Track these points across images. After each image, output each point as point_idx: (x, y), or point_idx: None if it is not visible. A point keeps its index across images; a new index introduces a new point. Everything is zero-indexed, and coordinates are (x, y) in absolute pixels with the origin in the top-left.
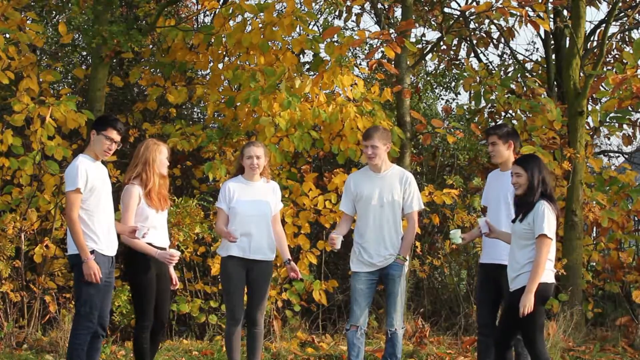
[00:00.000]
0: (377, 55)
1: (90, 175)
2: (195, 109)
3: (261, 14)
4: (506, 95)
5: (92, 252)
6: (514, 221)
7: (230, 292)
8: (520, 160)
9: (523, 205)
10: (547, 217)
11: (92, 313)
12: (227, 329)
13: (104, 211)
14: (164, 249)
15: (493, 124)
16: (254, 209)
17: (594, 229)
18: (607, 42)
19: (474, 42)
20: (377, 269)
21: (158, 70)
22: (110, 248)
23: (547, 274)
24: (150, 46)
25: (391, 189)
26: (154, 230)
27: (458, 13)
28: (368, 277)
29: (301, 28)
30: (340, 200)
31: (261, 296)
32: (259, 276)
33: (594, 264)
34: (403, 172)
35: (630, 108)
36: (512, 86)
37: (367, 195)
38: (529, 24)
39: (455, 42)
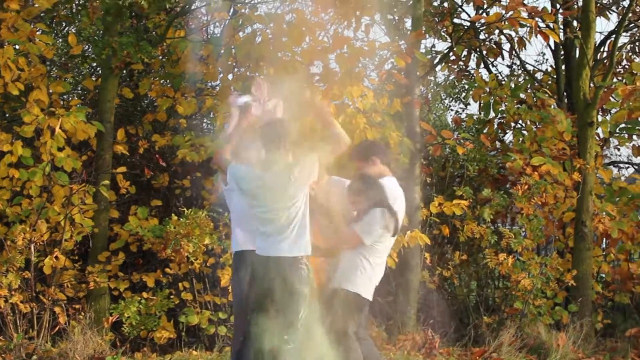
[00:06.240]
0: (387, 66)
1: None
2: (205, 120)
3: (271, 24)
4: (516, 106)
5: None
6: None
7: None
8: None
9: None
10: None
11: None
12: None
13: None
14: None
15: (503, 134)
16: None
17: (604, 240)
18: (617, 53)
19: (484, 52)
20: None
21: (168, 81)
22: None
23: None
24: (160, 57)
25: None
26: None
27: (468, 24)
28: None
29: (310, 39)
30: None
31: None
32: None
33: (604, 275)
34: None
35: None
36: (522, 97)
37: None
38: (539, 35)
39: (465, 52)
